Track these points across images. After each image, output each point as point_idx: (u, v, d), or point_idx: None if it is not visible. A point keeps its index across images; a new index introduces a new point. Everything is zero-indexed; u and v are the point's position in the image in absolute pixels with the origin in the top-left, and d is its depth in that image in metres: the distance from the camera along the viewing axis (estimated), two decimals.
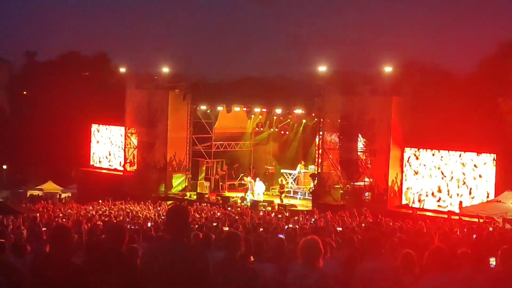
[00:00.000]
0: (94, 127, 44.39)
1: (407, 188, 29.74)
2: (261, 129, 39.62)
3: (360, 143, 30.33)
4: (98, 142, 43.78)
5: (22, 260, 9.16)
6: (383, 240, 7.89)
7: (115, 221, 22.09)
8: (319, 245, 6.50)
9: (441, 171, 28.86)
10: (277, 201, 32.70)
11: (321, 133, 32.21)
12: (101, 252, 6.27)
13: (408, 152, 29.79)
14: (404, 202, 29.68)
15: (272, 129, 39.01)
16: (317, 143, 32.87)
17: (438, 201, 28.81)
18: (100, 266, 5.88)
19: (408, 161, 29.79)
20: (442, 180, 28.84)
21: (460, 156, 28.45)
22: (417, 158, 29.53)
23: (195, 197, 34.92)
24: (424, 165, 29.32)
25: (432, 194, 29.04)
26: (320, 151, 32.08)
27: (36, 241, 11.17)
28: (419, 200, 29.34)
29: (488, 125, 30.93)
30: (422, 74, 34.27)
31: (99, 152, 43.63)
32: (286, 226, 19.43)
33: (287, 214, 27.30)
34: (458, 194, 28.31)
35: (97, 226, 17.85)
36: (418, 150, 29.54)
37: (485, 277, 7.39)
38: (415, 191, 29.56)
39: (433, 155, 29.15)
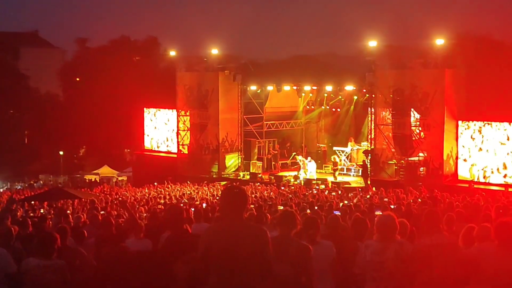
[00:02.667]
0: (146, 111, 44.88)
1: (471, 165, 29.03)
2: (312, 107, 39.46)
3: (413, 118, 29.93)
4: (155, 128, 44.09)
5: (81, 245, 9.38)
6: (441, 215, 7.81)
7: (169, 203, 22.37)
8: (394, 221, 6.58)
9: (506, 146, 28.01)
10: (330, 178, 32.62)
11: (373, 109, 31.90)
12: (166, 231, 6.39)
13: (472, 127, 29.02)
14: (468, 178, 28.88)
15: (323, 107, 38.79)
16: (369, 119, 32.55)
17: (504, 177, 28.03)
18: (167, 247, 6.00)
19: (471, 136, 29.05)
20: (508, 156, 28.06)
21: None
22: (480, 133, 28.73)
23: (248, 177, 35.12)
24: (488, 139, 28.52)
25: (498, 170, 28.31)
26: (372, 127, 31.79)
27: (96, 225, 11.40)
28: (484, 177, 28.63)
29: None
30: (476, 45, 33.49)
31: (157, 137, 43.99)
32: (341, 204, 19.39)
33: (340, 192, 27.23)
34: None
35: (156, 210, 18.05)
36: (484, 125, 28.62)
37: None
38: (480, 167, 28.85)
39: (498, 129, 28.32)
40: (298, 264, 6.12)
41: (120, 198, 25.56)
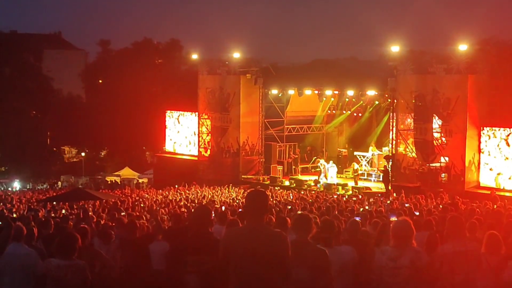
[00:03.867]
0: (168, 113, 45.03)
1: (497, 174, 28.62)
2: (333, 111, 39.36)
3: (435, 123, 29.74)
4: (178, 130, 44.12)
5: (107, 246, 9.43)
6: (464, 222, 7.76)
7: (189, 205, 22.43)
8: (411, 226, 6.56)
9: None
10: (351, 183, 32.50)
11: (394, 114, 31.74)
12: (190, 233, 6.40)
13: (498, 136, 28.59)
14: (494, 187, 28.30)
15: (344, 112, 38.67)
16: (391, 124, 32.38)
17: None
18: (190, 247, 6.01)
19: (498, 145, 28.65)
20: None
21: None
22: (507, 142, 28.29)
23: (268, 181, 35.09)
24: None
25: None
26: (394, 132, 31.64)
27: (117, 226, 11.44)
28: None
29: None
30: (499, 51, 33.21)
31: (178, 139, 44.03)
32: (361, 209, 19.32)
33: (360, 196, 27.14)
34: None
35: (179, 212, 18.09)
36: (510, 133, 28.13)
37: None
38: (507, 176, 28.37)
39: None
40: (316, 268, 6.12)
41: (141, 202, 25.66)
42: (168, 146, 44.94)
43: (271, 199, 25.23)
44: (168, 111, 45.13)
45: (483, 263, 7.02)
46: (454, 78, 28.91)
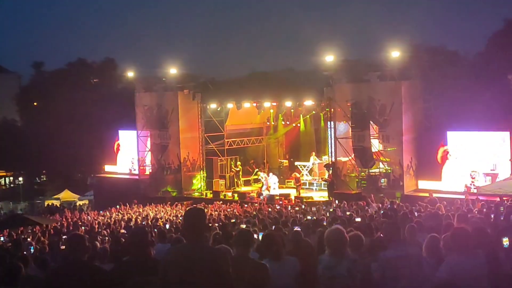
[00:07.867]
0: (106, 133, 44.45)
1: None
2: (273, 123, 39.57)
3: (373, 130, 30.20)
4: (117, 151, 43.60)
5: (44, 272, 9.21)
6: (402, 226, 7.88)
7: (132, 225, 22.17)
8: (344, 234, 6.58)
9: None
10: (293, 193, 32.69)
11: (332, 123, 32.11)
12: (128, 255, 6.32)
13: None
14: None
15: (283, 123, 38.93)
16: (329, 133, 32.76)
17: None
18: (129, 269, 5.94)
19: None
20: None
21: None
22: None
23: (211, 195, 35.00)
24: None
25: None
26: (332, 140, 31.98)
27: (56, 251, 11.23)
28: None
29: (500, 103, 30.58)
30: (430, 57, 34.02)
31: (118, 159, 43.58)
32: (304, 218, 19.43)
33: (303, 206, 27.29)
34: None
35: (120, 234, 17.85)
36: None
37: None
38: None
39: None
40: (255, 283, 6.09)
41: (82, 225, 25.20)
42: (107, 166, 44.33)
43: (217, 213, 25.17)
44: (106, 131, 44.54)
45: (425, 266, 7.13)
46: (388, 85, 29.45)
